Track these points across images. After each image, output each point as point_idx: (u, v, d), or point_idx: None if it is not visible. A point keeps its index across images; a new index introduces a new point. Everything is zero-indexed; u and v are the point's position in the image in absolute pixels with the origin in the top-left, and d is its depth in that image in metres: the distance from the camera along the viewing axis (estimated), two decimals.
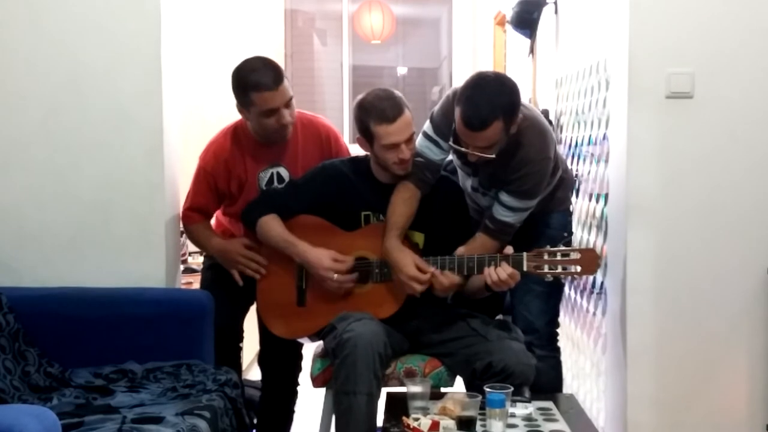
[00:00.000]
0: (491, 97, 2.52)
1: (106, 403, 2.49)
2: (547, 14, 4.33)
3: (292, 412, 3.27)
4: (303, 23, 9.76)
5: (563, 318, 3.72)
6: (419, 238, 2.79)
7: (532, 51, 4.72)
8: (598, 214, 3.36)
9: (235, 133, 2.93)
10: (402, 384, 2.64)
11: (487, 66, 6.27)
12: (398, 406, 2.50)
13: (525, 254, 2.55)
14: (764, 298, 2.85)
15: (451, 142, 2.67)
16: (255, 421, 3.15)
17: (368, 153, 2.79)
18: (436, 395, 2.49)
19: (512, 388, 2.37)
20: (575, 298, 3.77)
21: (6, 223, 2.89)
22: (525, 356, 2.60)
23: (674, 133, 2.84)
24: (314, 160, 2.93)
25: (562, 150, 3.92)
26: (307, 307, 2.79)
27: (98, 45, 2.87)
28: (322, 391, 2.77)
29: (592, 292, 3.45)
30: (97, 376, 2.68)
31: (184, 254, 4.03)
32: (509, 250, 2.58)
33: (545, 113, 4.00)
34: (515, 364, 2.54)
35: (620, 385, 2.95)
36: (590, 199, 3.49)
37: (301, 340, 2.97)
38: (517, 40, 4.99)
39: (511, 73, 5.27)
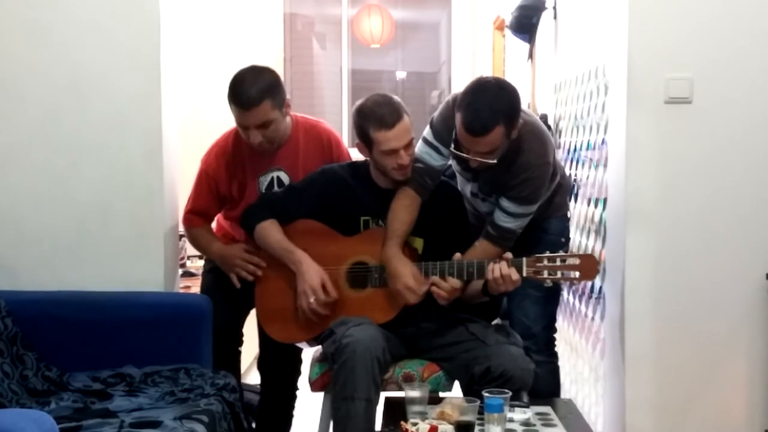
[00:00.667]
0: (492, 102, 2.53)
1: (104, 407, 2.49)
2: (546, 19, 4.34)
3: (291, 416, 3.27)
4: (302, 27, 9.78)
5: (562, 323, 3.72)
6: (418, 243, 2.79)
7: (531, 56, 4.73)
8: (596, 218, 3.36)
9: (236, 136, 2.93)
10: (400, 389, 2.64)
11: (486, 70, 6.27)
12: (396, 410, 2.50)
13: (524, 259, 2.55)
14: (763, 303, 2.85)
15: (451, 148, 2.67)
16: (253, 425, 3.15)
17: (368, 158, 2.79)
18: (435, 400, 2.50)
19: (510, 393, 2.37)
20: (574, 303, 3.77)
21: (4, 226, 2.89)
22: (524, 361, 2.60)
23: (673, 138, 2.84)
24: (315, 164, 2.93)
25: (560, 155, 3.92)
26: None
27: (98, 48, 2.88)
28: (321, 395, 2.77)
29: (590, 297, 3.45)
30: (96, 380, 2.67)
31: (182, 258, 4.03)
32: (508, 256, 2.58)
33: (544, 118, 4.00)
34: (514, 368, 2.54)
35: (619, 390, 2.95)
36: (589, 204, 3.49)
37: (299, 345, 2.97)
38: (516, 44, 5.00)
39: (510, 78, 5.26)
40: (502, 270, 2.53)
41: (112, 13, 2.87)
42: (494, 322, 2.95)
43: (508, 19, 4.59)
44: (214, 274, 3.05)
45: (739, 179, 2.85)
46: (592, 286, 3.40)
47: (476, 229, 2.82)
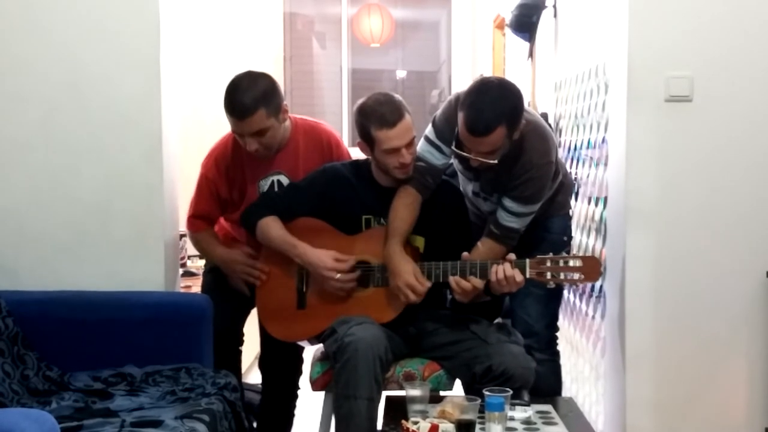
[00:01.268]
0: (495, 102, 2.53)
1: (105, 406, 2.49)
2: (546, 18, 4.33)
3: (293, 415, 3.27)
4: (302, 26, 9.77)
5: (562, 321, 3.71)
6: (420, 242, 2.79)
7: (531, 54, 4.73)
8: (597, 217, 3.36)
9: (235, 141, 2.92)
10: (401, 387, 2.64)
11: (487, 69, 6.28)
12: (397, 409, 2.50)
13: (528, 260, 2.55)
14: (763, 301, 2.85)
15: (453, 147, 2.67)
16: (254, 424, 3.15)
17: (369, 157, 2.79)
18: (436, 399, 2.49)
19: (511, 392, 2.37)
20: (574, 302, 3.77)
21: (5, 226, 2.89)
22: (524, 360, 2.60)
23: (673, 136, 2.84)
24: (315, 166, 2.92)
25: (561, 153, 3.91)
26: (307, 309, 2.79)
27: (98, 47, 2.88)
28: (322, 394, 2.77)
29: (591, 296, 3.45)
30: (96, 379, 2.68)
31: (183, 258, 4.03)
32: (511, 257, 2.58)
33: (544, 116, 4.00)
34: (515, 367, 2.54)
35: (619, 389, 2.95)
36: (589, 203, 3.49)
37: (300, 344, 2.97)
38: (517, 43, 5.00)
39: (510, 77, 5.27)
40: (506, 271, 2.53)
41: (112, 13, 2.87)
42: (496, 320, 2.96)
43: (508, 17, 4.58)
44: (214, 274, 3.05)
45: (740, 177, 2.85)
46: (593, 285, 3.40)
47: (478, 228, 2.82)
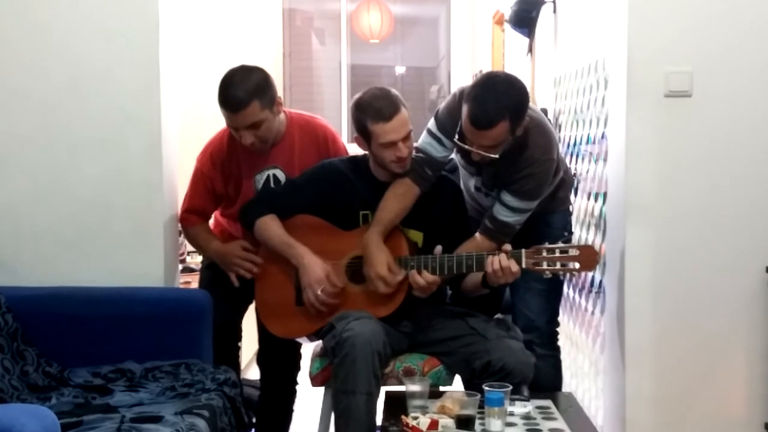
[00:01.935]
0: (499, 97, 2.52)
1: (104, 402, 2.49)
2: (545, 13, 4.33)
3: (291, 411, 3.27)
4: (301, 22, 9.76)
5: (562, 317, 3.71)
6: (418, 236, 2.79)
7: (530, 50, 4.72)
8: (596, 212, 3.36)
9: (230, 135, 2.92)
10: (401, 383, 2.64)
11: (486, 65, 6.27)
12: (397, 405, 2.50)
13: (524, 251, 2.55)
14: (763, 297, 2.85)
15: (456, 139, 2.67)
16: (254, 420, 3.15)
17: (367, 152, 2.79)
18: (435, 394, 2.50)
19: (511, 387, 2.37)
20: (574, 297, 3.77)
21: (4, 222, 2.89)
22: (524, 355, 2.60)
23: (673, 131, 2.84)
24: (311, 160, 2.92)
25: (560, 149, 3.91)
26: (306, 306, 2.79)
27: (97, 43, 2.87)
28: (321, 390, 2.77)
29: (590, 291, 3.45)
30: (96, 375, 2.68)
31: (182, 253, 4.03)
32: (507, 248, 2.57)
33: (544, 112, 4.00)
34: (514, 362, 2.54)
35: (619, 384, 2.95)
36: (589, 198, 3.49)
37: (299, 340, 2.97)
38: (516, 39, 4.99)
39: (509, 72, 5.27)
40: (501, 262, 2.53)
41: (112, 9, 2.87)
42: (496, 316, 2.96)
43: (508, 13, 4.58)
44: (211, 271, 3.05)
45: (739, 172, 2.85)
46: (592, 280, 3.40)
47: (478, 224, 2.82)
